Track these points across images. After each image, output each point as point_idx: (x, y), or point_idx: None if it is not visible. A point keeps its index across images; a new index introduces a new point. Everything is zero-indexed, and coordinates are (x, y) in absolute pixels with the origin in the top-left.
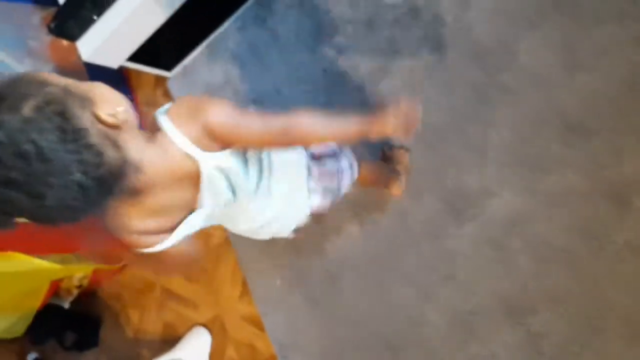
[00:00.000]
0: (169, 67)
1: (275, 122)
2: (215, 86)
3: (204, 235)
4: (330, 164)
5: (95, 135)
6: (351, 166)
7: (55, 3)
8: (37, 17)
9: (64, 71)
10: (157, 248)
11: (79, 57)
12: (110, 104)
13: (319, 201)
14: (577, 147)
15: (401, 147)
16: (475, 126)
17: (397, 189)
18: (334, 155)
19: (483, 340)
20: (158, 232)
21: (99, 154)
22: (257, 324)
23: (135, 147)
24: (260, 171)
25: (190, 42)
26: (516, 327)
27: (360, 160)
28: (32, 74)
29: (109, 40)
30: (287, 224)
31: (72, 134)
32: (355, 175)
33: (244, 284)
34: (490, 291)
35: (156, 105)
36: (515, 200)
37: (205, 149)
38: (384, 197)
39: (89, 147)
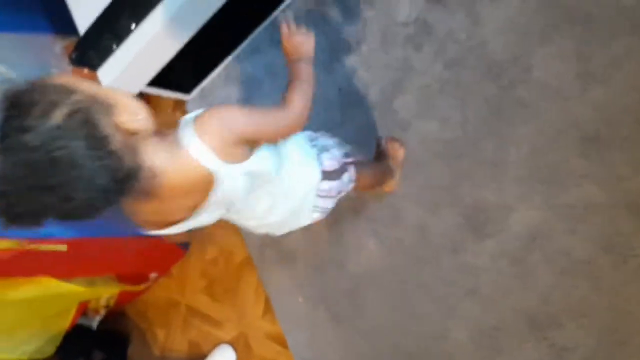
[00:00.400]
0: (187, 90)
1: (285, 114)
2: None
3: (225, 253)
4: (335, 184)
5: (116, 141)
6: (350, 181)
7: (75, 31)
8: (59, 46)
9: None
10: (161, 233)
11: (100, 84)
12: (131, 111)
13: (317, 217)
14: (595, 159)
15: (395, 140)
16: (491, 141)
17: (390, 186)
18: (340, 171)
19: (508, 356)
20: (157, 225)
21: (120, 159)
22: (281, 341)
23: (152, 153)
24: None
25: (207, 65)
26: (541, 341)
27: (358, 170)
28: (60, 80)
29: (128, 68)
30: (283, 229)
31: (97, 141)
32: (350, 188)
33: (267, 301)
34: (513, 306)
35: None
36: (534, 214)
37: (226, 159)
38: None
39: (112, 153)
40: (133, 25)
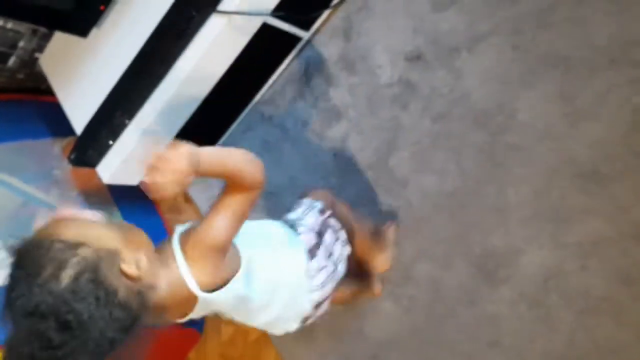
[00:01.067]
0: None
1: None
2: None
3: (241, 332)
4: (321, 253)
5: (122, 292)
6: (337, 235)
7: (72, 132)
8: (57, 147)
9: (88, 194)
10: None
11: (100, 179)
12: (133, 258)
13: (320, 294)
14: (596, 193)
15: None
16: (490, 187)
17: (381, 262)
18: (319, 236)
19: None
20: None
21: (126, 308)
22: None
23: (154, 279)
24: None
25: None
26: None
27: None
28: (67, 233)
29: (125, 161)
30: (289, 322)
31: (105, 298)
32: (343, 237)
33: None
34: (539, 352)
35: (179, 211)
36: (544, 254)
37: (204, 287)
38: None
39: (119, 305)
40: (127, 121)
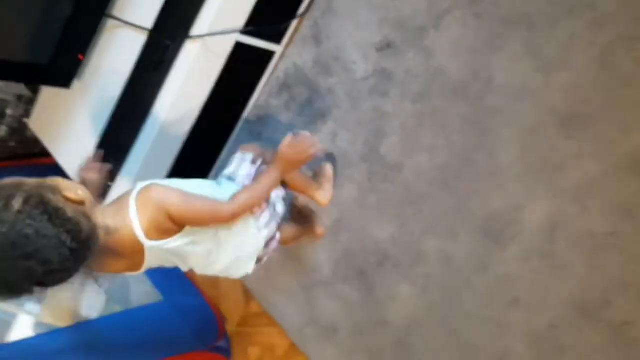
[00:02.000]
0: None
1: (222, 208)
2: None
3: (267, 349)
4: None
5: (69, 211)
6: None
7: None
8: None
9: None
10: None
11: None
12: (71, 188)
13: (267, 232)
14: (582, 136)
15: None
16: (480, 153)
17: (322, 197)
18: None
19: (572, 351)
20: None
21: (77, 223)
22: None
23: (102, 217)
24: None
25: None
26: (598, 325)
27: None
28: (5, 180)
29: None
30: (245, 264)
31: (54, 213)
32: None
33: None
34: (559, 300)
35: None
36: (545, 205)
37: (151, 238)
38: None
39: (69, 220)
40: (120, 161)
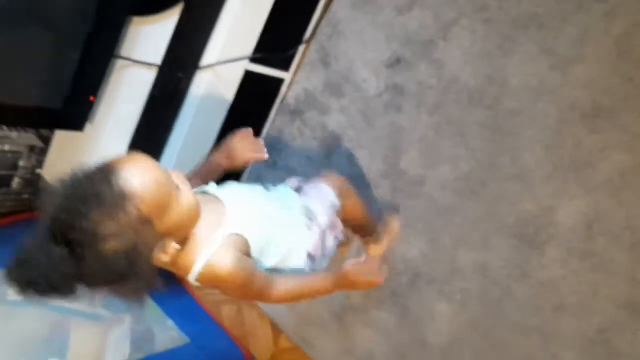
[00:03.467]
0: None
1: (271, 292)
2: None
3: None
4: (321, 261)
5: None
6: (337, 239)
7: None
8: None
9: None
10: None
11: None
12: (167, 248)
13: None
14: (607, 128)
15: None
16: (504, 157)
17: (375, 248)
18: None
19: (627, 352)
20: None
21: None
22: None
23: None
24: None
25: None
26: None
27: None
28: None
29: None
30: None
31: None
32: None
33: None
34: (606, 301)
35: None
36: (578, 203)
37: (200, 283)
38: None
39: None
40: None
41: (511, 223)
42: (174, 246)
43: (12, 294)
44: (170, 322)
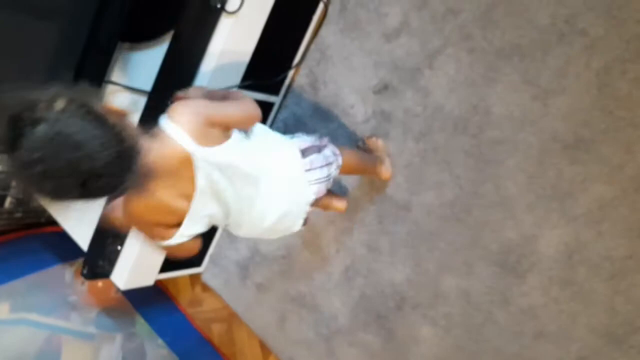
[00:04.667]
0: (197, 264)
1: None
2: (245, 260)
3: None
4: (316, 156)
5: (111, 119)
6: (334, 154)
7: (78, 255)
8: (69, 273)
9: (109, 309)
10: (172, 242)
11: (116, 289)
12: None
13: (315, 190)
14: (587, 160)
15: (372, 136)
16: (487, 185)
17: (385, 172)
18: (317, 148)
19: None
20: (167, 226)
21: (120, 131)
22: None
23: (139, 134)
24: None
25: (207, 235)
26: (629, 352)
27: (341, 147)
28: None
29: (136, 262)
30: (293, 220)
31: (99, 116)
32: (340, 161)
33: None
34: (585, 329)
35: (200, 304)
36: (559, 233)
37: (200, 143)
38: (378, 187)
39: (112, 126)
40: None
41: (494, 250)
42: None
43: (2, 311)
44: (160, 341)
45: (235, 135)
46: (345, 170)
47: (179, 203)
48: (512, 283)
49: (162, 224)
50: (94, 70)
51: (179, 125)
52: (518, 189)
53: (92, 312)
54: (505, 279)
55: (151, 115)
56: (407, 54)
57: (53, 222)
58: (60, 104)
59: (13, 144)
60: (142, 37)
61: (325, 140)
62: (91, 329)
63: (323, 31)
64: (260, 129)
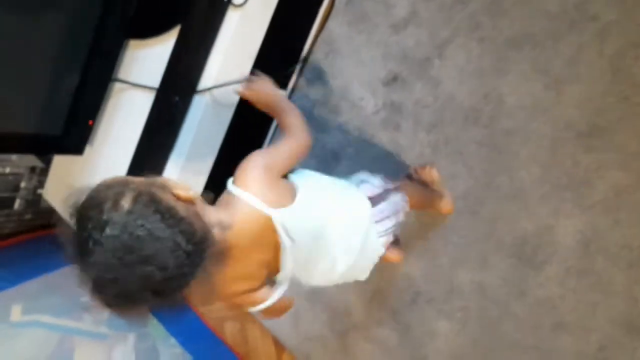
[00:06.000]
0: None
1: (299, 137)
2: None
3: None
4: (386, 205)
5: (181, 210)
6: (403, 199)
7: None
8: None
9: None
10: (261, 307)
11: None
12: (181, 186)
13: (384, 242)
14: (602, 148)
15: (424, 166)
16: (501, 176)
17: (446, 206)
18: (384, 195)
19: None
20: (251, 291)
21: (190, 223)
22: None
23: (214, 213)
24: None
25: None
26: None
27: (403, 185)
28: (111, 179)
29: None
30: (362, 270)
31: (166, 213)
32: (407, 207)
33: None
34: (604, 320)
35: (212, 303)
36: (575, 222)
37: (274, 206)
38: (440, 220)
39: (181, 219)
40: None
41: (509, 242)
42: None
43: (14, 314)
44: (173, 340)
45: (301, 185)
46: (410, 207)
47: (265, 267)
48: (528, 275)
49: (247, 291)
50: (100, 69)
51: (249, 189)
52: (532, 179)
53: (105, 312)
54: (521, 271)
55: (159, 112)
56: (416, 44)
57: (63, 222)
58: (126, 204)
59: (82, 251)
60: (149, 32)
61: (390, 184)
62: (104, 329)
63: (330, 24)
64: (318, 175)
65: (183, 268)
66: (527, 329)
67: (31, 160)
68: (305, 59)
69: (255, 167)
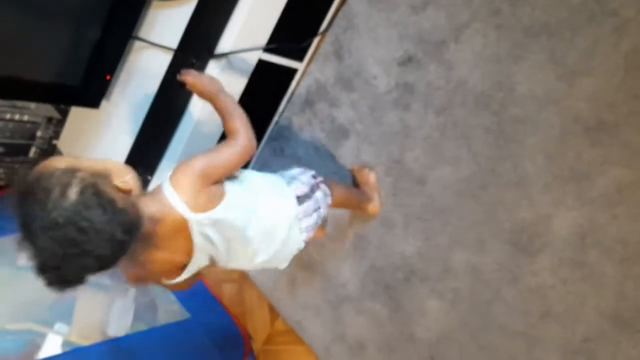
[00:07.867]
0: None
1: (240, 143)
2: None
3: None
4: (311, 203)
5: (120, 202)
6: (325, 195)
7: None
8: None
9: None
10: (174, 281)
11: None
12: (122, 174)
13: (305, 237)
14: (608, 143)
15: (364, 167)
16: (505, 163)
17: (372, 209)
18: (311, 190)
19: None
20: (170, 271)
21: (127, 214)
22: None
23: (146, 205)
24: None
25: None
26: (634, 337)
27: (331, 183)
28: (61, 163)
29: None
30: (283, 260)
31: (108, 206)
32: (330, 200)
33: None
34: (593, 312)
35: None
36: (574, 214)
37: (196, 210)
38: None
39: (120, 211)
40: (149, 177)
41: (507, 228)
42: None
43: (21, 259)
44: (172, 297)
45: (230, 190)
46: (333, 206)
47: (180, 257)
48: (522, 262)
49: (167, 272)
50: (123, 25)
51: (179, 190)
52: (536, 168)
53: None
54: (516, 258)
55: (175, 73)
56: (433, 26)
57: None
58: (73, 194)
59: (27, 228)
60: None
61: (319, 178)
62: (106, 281)
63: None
64: (253, 175)
65: (117, 254)
66: (516, 315)
67: (49, 110)
68: (325, 32)
69: (192, 172)
